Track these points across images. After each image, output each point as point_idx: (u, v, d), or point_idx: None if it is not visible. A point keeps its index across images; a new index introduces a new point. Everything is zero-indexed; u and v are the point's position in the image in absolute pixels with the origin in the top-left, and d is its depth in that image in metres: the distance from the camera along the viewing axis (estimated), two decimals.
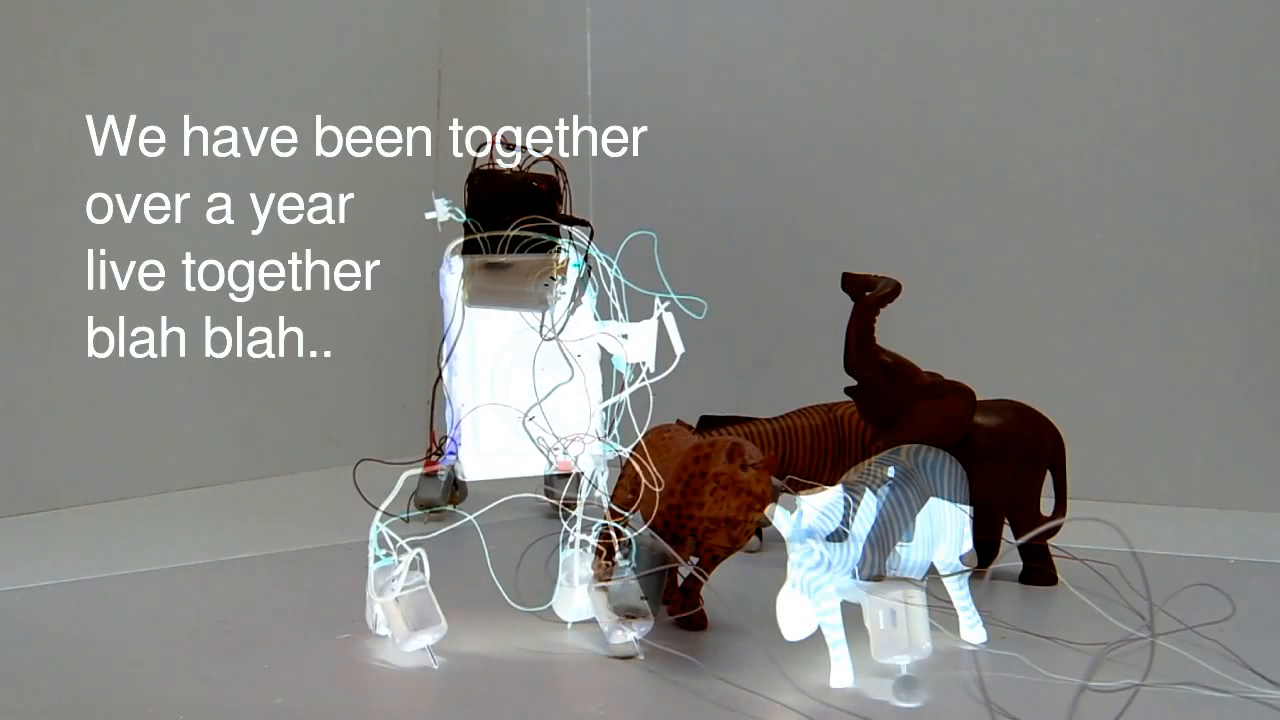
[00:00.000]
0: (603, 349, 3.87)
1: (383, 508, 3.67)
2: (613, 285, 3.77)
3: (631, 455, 3.70)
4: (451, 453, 5.09)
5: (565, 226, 3.91)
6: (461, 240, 4.03)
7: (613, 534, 3.69)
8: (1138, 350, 5.75)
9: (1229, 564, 4.69)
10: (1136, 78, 5.74)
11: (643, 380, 3.76)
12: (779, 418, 4.69)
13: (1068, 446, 4.43)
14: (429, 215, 4.46)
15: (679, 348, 3.72)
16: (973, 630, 3.69)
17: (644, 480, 3.64)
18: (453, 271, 4.00)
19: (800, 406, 4.74)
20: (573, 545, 3.80)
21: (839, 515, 3.34)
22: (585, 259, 3.85)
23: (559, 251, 3.87)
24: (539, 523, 4.73)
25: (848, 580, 3.35)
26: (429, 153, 6.65)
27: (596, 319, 3.86)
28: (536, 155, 4.61)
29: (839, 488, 3.40)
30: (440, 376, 4.96)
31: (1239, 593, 3.94)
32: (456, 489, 5.04)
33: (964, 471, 3.65)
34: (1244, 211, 5.60)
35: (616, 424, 3.82)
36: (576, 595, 3.76)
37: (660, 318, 3.74)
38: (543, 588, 3.88)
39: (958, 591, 3.67)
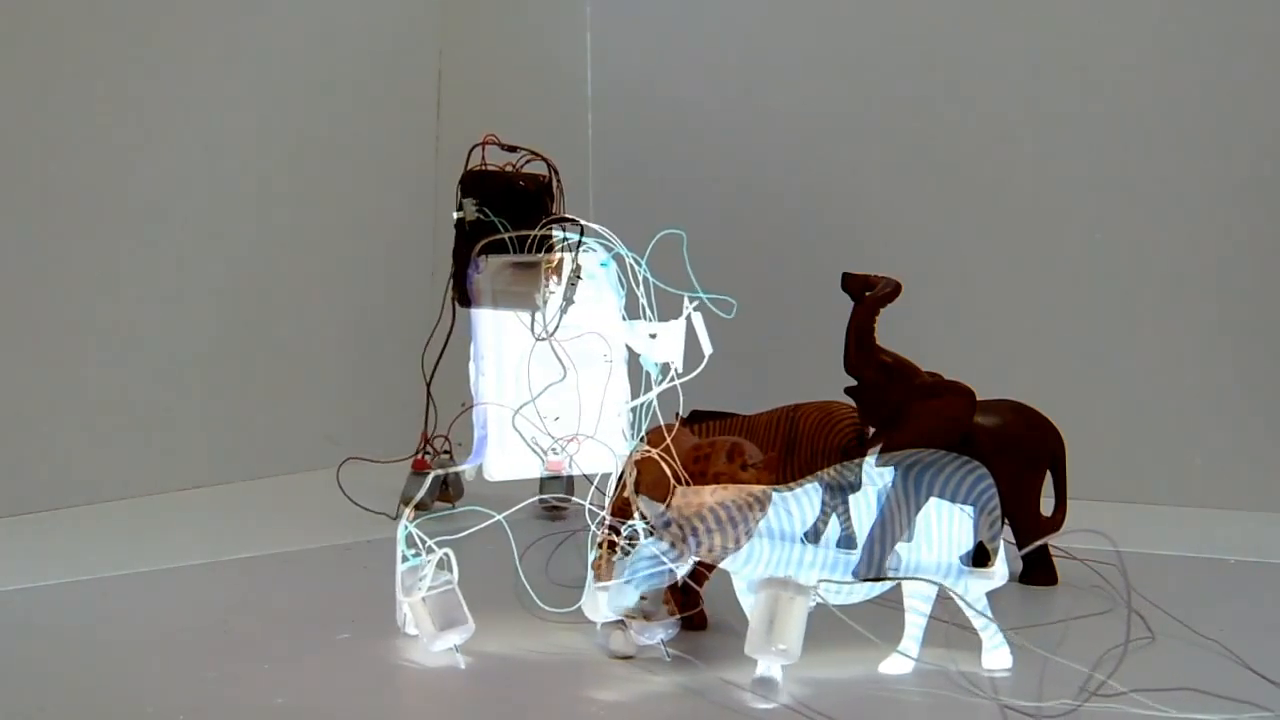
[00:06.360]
0: (630, 349, 3.87)
1: (410, 509, 3.68)
2: (641, 285, 3.77)
3: (658, 456, 3.65)
4: (447, 452, 5.11)
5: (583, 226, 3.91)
6: (486, 240, 4.04)
7: (634, 534, 3.66)
8: (1138, 350, 5.75)
9: (1229, 564, 4.69)
10: (1137, 77, 5.74)
11: (671, 380, 3.76)
12: (753, 415, 4.66)
13: (1068, 446, 4.43)
14: (456, 215, 4.49)
15: (707, 348, 3.72)
16: (993, 653, 3.47)
17: (670, 480, 3.59)
18: (480, 272, 4.01)
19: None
20: (602, 546, 3.77)
21: (804, 514, 3.34)
22: (576, 254, 3.85)
23: (551, 249, 3.87)
24: (535, 524, 4.72)
25: (752, 576, 3.34)
26: (429, 153, 6.67)
27: (625, 318, 3.86)
28: (529, 155, 4.64)
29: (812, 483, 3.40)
30: (432, 376, 4.98)
31: (1239, 593, 3.95)
32: (449, 488, 5.04)
33: (981, 474, 3.51)
34: (1244, 211, 5.60)
35: (645, 424, 3.81)
36: (606, 596, 3.73)
37: (689, 317, 3.73)
38: (544, 587, 3.88)
39: (969, 607, 3.46)
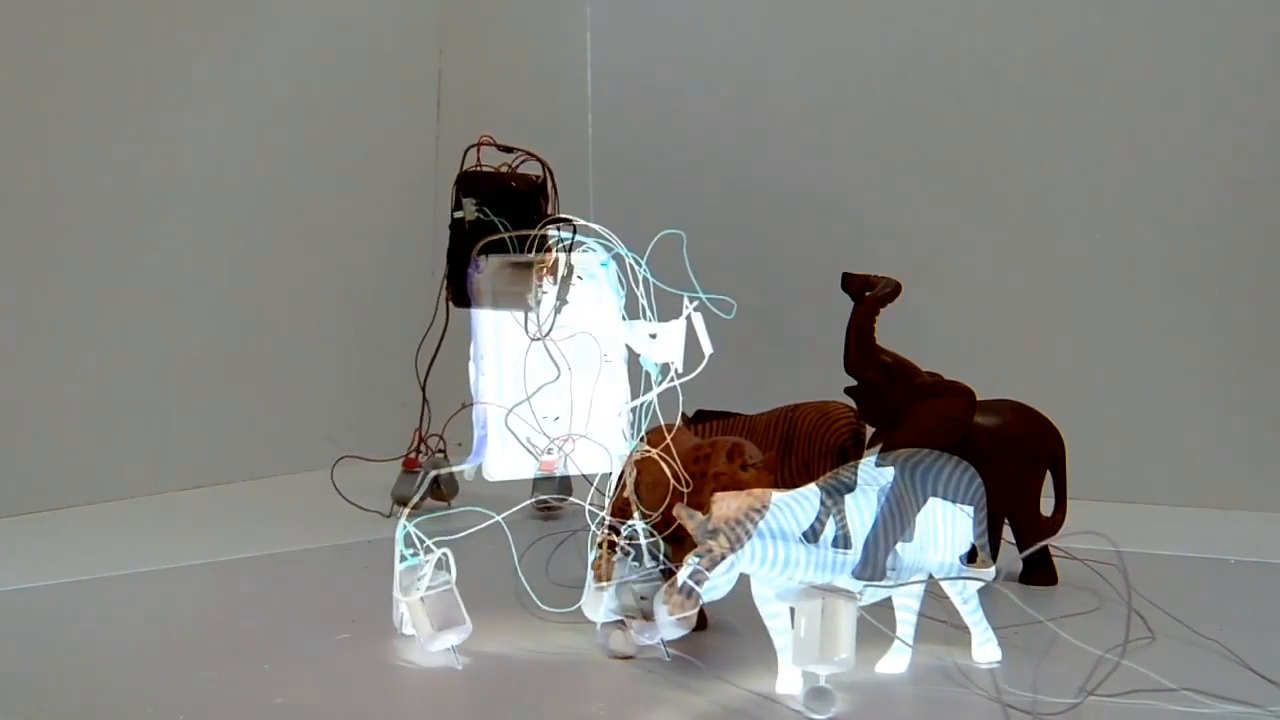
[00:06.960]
0: (630, 349, 3.87)
1: (409, 508, 3.68)
2: (640, 285, 3.77)
3: (659, 456, 3.64)
4: (441, 451, 5.11)
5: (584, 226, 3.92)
6: (485, 241, 4.04)
7: (634, 534, 3.65)
8: (1137, 350, 5.74)
9: (1229, 564, 4.69)
10: (1136, 77, 5.74)
11: (671, 380, 3.76)
12: (755, 415, 4.65)
13: (1068, 446, 4.43)
14: (457, 214, 4.49)
15: (707, 348, 3.72)
16: (983, 648, 3.52)
17: (671, 480, 3.57)
18: (480, 271, 4.01)
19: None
20: (601, 546, 3.77)
21: (807, 515, 3.30)
22: (569, 253, 3.86)
23: (550, 249, 3.88)
24: (534, 524, 4.72)
25: (787, 583, 3.24)
26: (429, 153, 6.67)
27: (625, 318, 3.86)
28: (524, 156, 4.65)
29: (811, 487, 3.37)
30: (427, 374, 4.99)
31: (1239, 593, 3.94)
32: (441, 487, 5.04)
33: (972, 474, 3.54)
34: (1245, 211, 5.59)
35: (644, 425, 3.81)
36: (606, 596, 3.73)
37: (689, 318, 3.73)
38: (544, 587, 3.88)
39: (962, 603, 3.50)
